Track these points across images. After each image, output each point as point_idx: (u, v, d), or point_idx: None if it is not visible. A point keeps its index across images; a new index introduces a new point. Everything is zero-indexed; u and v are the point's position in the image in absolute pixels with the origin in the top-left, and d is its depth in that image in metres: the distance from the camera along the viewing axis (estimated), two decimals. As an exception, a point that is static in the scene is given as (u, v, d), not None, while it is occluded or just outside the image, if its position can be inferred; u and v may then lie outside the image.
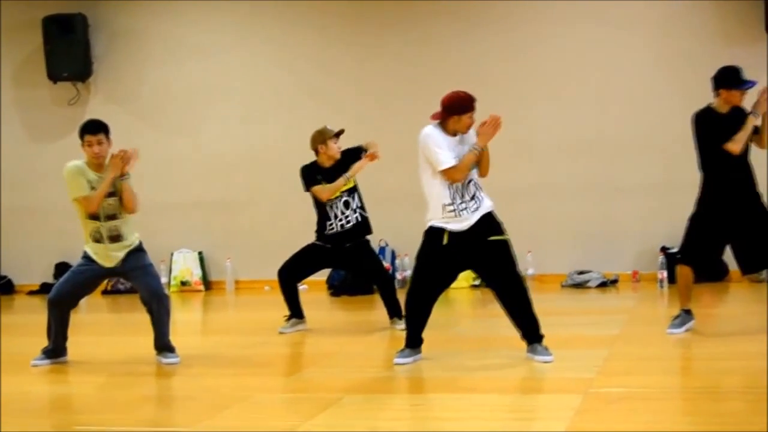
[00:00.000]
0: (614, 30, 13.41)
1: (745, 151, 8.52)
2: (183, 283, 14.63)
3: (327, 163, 9.72)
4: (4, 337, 10.60)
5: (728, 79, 8.56)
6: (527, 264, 13.59)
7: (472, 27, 13.83)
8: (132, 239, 8.45)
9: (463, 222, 7.59)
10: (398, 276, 13.41)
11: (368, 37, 14.11)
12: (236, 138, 14.37)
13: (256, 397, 7.07)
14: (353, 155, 9.73)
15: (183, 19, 14.87)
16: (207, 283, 14.76)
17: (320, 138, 9.71)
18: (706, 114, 8.60)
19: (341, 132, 9.79)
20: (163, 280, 14.59)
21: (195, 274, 14.67)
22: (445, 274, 7.83)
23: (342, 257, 9.84)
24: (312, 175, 9.71)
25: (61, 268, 14.82)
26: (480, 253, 7.67)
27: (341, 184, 9.61)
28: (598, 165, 13.38)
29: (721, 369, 7.39)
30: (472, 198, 7.65)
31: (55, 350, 8.43)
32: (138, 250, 8.47)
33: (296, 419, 6.30)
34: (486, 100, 13.49)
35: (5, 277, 15.11)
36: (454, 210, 7.56)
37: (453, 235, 7.56)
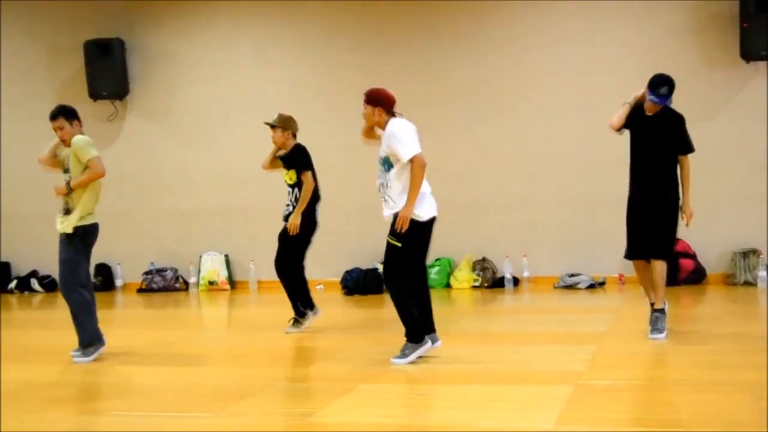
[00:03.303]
0: (601, 52, 13.38)
1: (664, 155, 8.34)
2: (210, 283, 14.62)
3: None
4: (46, 331, 10.61)
5: (650, 83, 8.30)
6: (522, 267, 13.58)
7: (470, 47, 13.82)
8: (72, 217, 8.09)
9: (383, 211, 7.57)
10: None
11: (377, 55, 14.10)
12: (258, 149, 14.17)
13: (276, 386, 7.04)
14: (297, 158, 9.67)
15: (209, 44, 14.87)
16: (232, 283, 14.75)
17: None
18: (636, 110, 8.44)
19: (271, 125, 9.76)
20: (192, 279, 14.68)
21: (221, 275, 14.66)
22: None
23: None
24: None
25: (100, 268, 14.84)
26: None
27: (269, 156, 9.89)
28: (586, 177, 13.35)
29: (699, 363, 7.33)
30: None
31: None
32: (69, 236, 8.13)
33: (312, 406, 6.28)
34: (480, 117, 13.69)
35: (49, 276, 15.11)
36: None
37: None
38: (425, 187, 7.45)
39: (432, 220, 7.50)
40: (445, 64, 13.89)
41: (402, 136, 7.39)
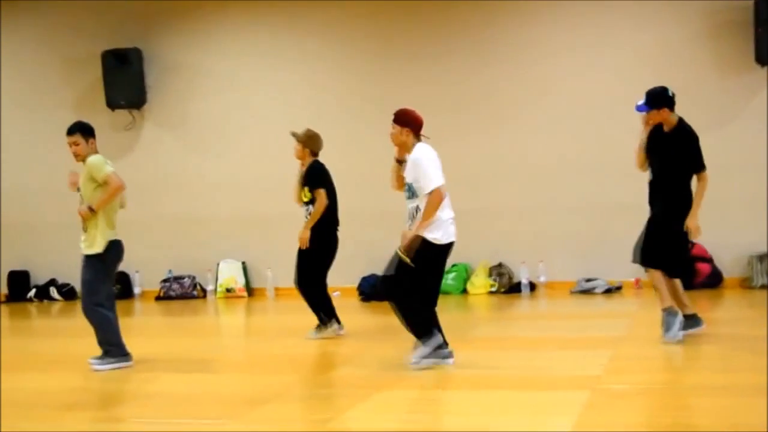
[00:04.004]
0: (614, 59, 13.35)
1: (672, 169, 8.36)
2: (228, 290, 14.63)
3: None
4: (65, 339, 10.65)
5: None
6: (539, 272, 13.56)
7: (483, 53, 13.84)
8: (91, 239, 8.13)
9: None
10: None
11: (392, 63, 14.14)
12: (273, 159, 14.35)
13: (294, 392, 7.04)
14: (313, 176, 9.63)
15: (226, 53, 14.90)
16: (250, 290, 14.76)
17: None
18: (654, 127, 8.57)
19: (295, 137, 9.75)
20: (210, 287, 14.69)
21: (239, 282, 14.68)
22: None
23: None
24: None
25: (118, 276, 14.85)
26: None
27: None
28: (601, 182, 13.32)
29: (715, 367, 7.33)
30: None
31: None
32: (88, 257, 8.18)
33: (330, 413, 6.28)
34: (495, 123, 13.70)
35: (68, 284, 15.16)
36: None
37: None
38: (448, 213, 7.46)
39: (450, 245, 7.49)
40: (459, 71, 13.90)
41: (427, 166, 7.37)
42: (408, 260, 7.33)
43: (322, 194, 9.47)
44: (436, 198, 7.30)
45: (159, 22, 15.12)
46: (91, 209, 8.03)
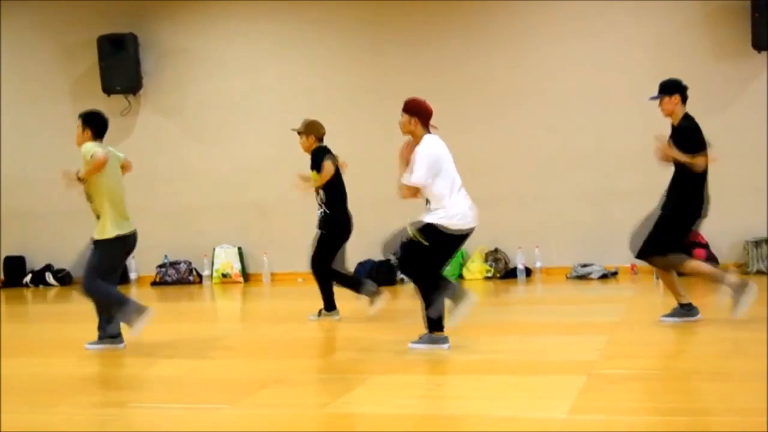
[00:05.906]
0: (612, 46, 13.41)
1: (675, 166, 8.50)
2: (224, 275, 14.67)
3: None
4: (62, 324, 10.66)
5: None
6: (535, 258, 13.60)
7: (482, 41, 13.88)
8: (101, 226, 8.23)
9: None
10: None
11: (391, 50, 14.19)
12: (270, 144, 14.40)
13: (291, 377, 7.06)
14: (314, 158, 9.66)
15: (222, 39, 14.93)
16: (246, 276, 14.80)
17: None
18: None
19: (297, 131, 9.76)
20: (206, 272, 14.73)
21: (235, 267, 14.71)
22: None
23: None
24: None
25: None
26: None
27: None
28: (598, 172, 13.37)
29: (712, 352, 7.35)
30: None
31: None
32: (92, 242, 8.31)
33: (327, 398, 6.30)
34: (494, 111, 13.71)
35: (64, 269, 15.18)
36: None
37: None
38: (465, 201, 7.61)
39: (461, 235, 7.61)
40: (457, 59, 13.93)
41: (420, 161, 7.46)
42: (421, 239, 7.45)
43: (325, 165, 9.46)
44: (406, 188, 7.48)
45: (155, 7, 15.12)
46: (79, 178, 8.12)
